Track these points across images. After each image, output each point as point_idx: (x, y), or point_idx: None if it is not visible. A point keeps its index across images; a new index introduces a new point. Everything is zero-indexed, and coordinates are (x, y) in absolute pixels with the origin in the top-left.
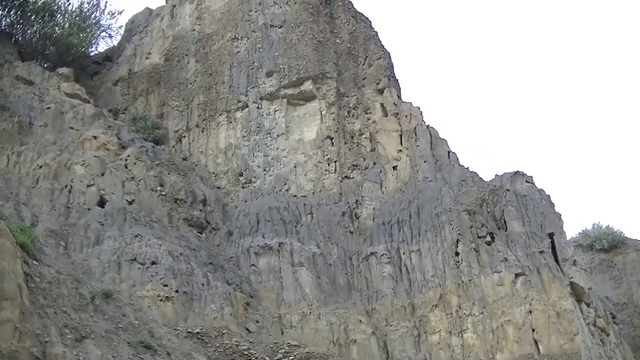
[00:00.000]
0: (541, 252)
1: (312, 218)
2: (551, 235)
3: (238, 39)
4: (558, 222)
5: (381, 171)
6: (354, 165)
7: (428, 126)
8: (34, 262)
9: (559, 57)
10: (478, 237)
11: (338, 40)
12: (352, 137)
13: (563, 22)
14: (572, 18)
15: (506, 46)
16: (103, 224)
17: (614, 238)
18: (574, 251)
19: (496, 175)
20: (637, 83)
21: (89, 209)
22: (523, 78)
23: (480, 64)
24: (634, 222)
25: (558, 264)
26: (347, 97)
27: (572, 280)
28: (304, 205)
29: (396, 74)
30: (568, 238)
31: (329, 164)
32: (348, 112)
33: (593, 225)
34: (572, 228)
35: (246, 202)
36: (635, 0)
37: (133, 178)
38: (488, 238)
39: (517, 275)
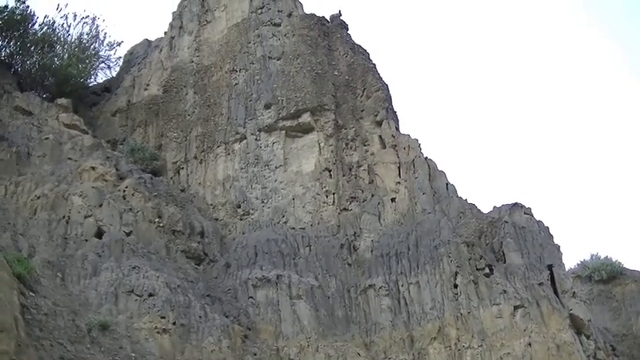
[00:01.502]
0: (540, 284)
1: (310, 250)
2: (550, 267)
3: (237, 71)
4: (557, 253)
5: (379, 203)
6: (352, 197)
7: (426, 158)
8: (30, 293)
9: (557, 89)
10: (477, 269)
11: (336, 72)
12: (350, 169)
13: (559, 54)
14: (568, 48)
15: (504, 79)
16: (100, 255)
17: (612, 269)
18: (573, 283)
19: (494, 206)
20: (634, 115)
21: (87, 240)
22: (521, 111)
23: (477, 97)
24: (632, 253)
25: (557, 296)
26: (345, 129)
27: (571, 312)
28: (302, 237)
29: (394, 106)
30: (567, 269)
31: (327, 196)
32: (346, 144)
33: (592, 256)
34: (571, 259)
35: (244, 234)
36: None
37: (130, 209)
38: (487, 270)
39: (516, 307)
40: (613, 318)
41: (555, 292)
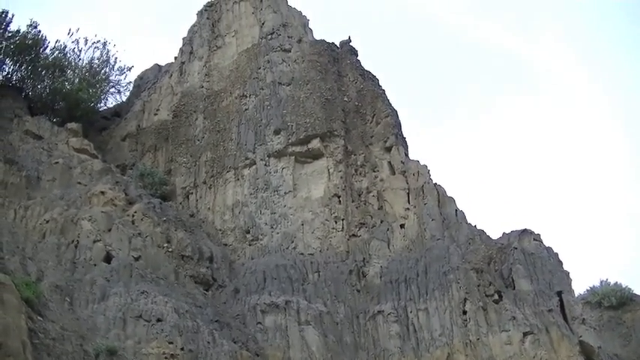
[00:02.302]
0: (549, 310)
1: (319, 276)
2: (559, 293)
3: (246, 96)
4: (566, 280)
5: (388, 229)
6: (361, 223)
7: (435, 184)
8: (38, 317)
9: (568, 113)
10: (486, 295)
11: (346, 98)
12: (359, 195)
13: (571, 76)
14: (581, 72)
15: (514, 104)
16: (108, 280)
17: (622, 294)
18: (582, 309)
19: (504, 233)
20: None
21: (95, 265)
22: (531, 137)
23: (487, 123)
24: None
25: (567, 322)
26: (354, 154)
27: (581, 338)
28: (311, 263)
29: (403, 132)
30: (576, 295)
31: (336, 222)
32: (356, 170)
33: (601, 282)
34: (580, 285)
35: (252, 259)
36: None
37: (139, 234)
38: (496, 297)
39: (525, 334)
40: (623, 344)
41: (565, 318)
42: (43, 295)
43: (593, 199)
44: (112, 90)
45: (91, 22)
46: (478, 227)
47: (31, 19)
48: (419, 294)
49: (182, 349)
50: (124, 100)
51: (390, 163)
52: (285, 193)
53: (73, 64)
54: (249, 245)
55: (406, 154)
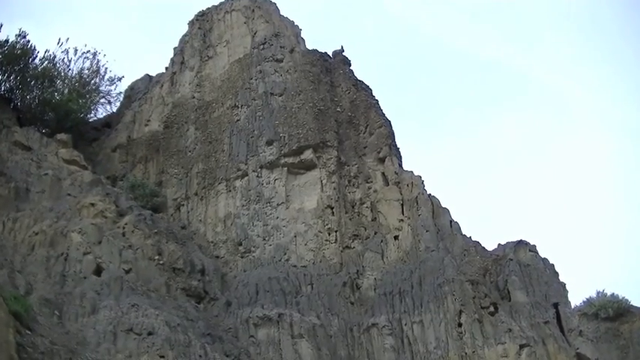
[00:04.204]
0: (546, 322)
1: (312, 289)
2: (555, 305)
3: (238, 107)
4: (563, 291)
5: (382, 241)
6: (354, 235)
7: (430, 195)
8: (27, 331)
9: (563, 123)
10: (481, 307)
11: (339, 109)
12: (353, 207)
13: (567, 83)
14: (576, 80)
15: (509, 113)
16: (99, 293)
17: (619, 306)
18: (579, 321)
19: (499, 244)
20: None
21: (85, 278)
22: (525, 147)
23: (481, 133)
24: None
25: (564, 334)
26: (348, 165)
27: (578, 350)
28: (304, 275)
29: (397, 143)
30: (573, 307)
31: (329, 234)
32: (349, 181)
33: (598, 293)
34: (577, 296)
35: (245, 272)
36: None
37: (130, 246)
38: (492, 309)
39: (522, 346)
40: (621, 356)
41: (561, 330)
42: (32, 309)
43: (590, 210)
44: (102, 100)
45: (81, 31)
46: (473, 238)
47: (20, 29)
48: (413, 306)
49: None
50: (115, 110)
51: (383, 173)
52: (277, 204)
53: (62, 74)
54: (242, 257)
55: (400, 165)
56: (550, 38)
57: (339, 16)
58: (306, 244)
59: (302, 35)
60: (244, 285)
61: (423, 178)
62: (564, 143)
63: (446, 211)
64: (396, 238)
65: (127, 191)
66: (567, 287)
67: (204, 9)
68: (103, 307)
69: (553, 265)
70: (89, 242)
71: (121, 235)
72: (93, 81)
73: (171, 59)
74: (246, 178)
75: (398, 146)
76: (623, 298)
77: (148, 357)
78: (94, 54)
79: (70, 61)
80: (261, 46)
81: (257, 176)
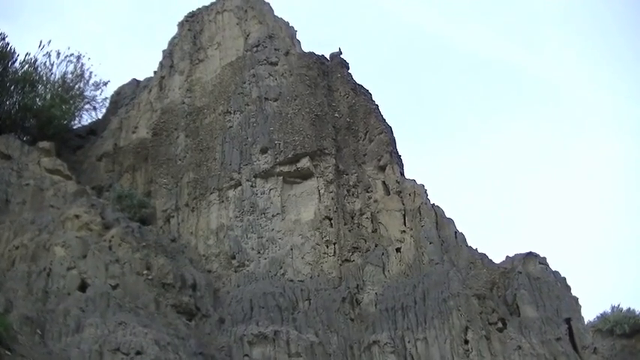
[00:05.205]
0: (558, 339)
1: (309, 304)
2: (568, 321)
3: (231, 113)
4: (575, 306)
5: (383, 253)
6: (354, 247)
7: (433, 205)
8: (7, 352)
9: (576, 129)
10: (489, 323)
11: (337, 114)
12: (352, 217)
13: (576, 91)
14: (584, 88)
15: (517, 118)
16: (83, 310)
17: (636, 321)
18: (593, 337)
19: (507, 256)
20: None
21: (69, 294)
22: (535, 153)
23: (487, 138)
24: None
25: (577, 352)
26: (346, 174)
27: None
28: (301, 290)
29: (398, 150)
30: (586, 322)
31: (328, 246)
32: (348, 191)
33: (613, 308)
34: (590, 312)
35: (239, 287)
36: None
37: (117, 260)
38: (500, 325)
39: None
40: None
41: (574, 347)
42: (11, 328)
43: (603, 220)
44: (87, 106)
45: (64, 33)
46: (479, 250)
47: None
48: (417, 322)
49: None
50: (100, 117)
51: (384, 182)
52: (272, 215)
53: (44, 78)
54: (235, 272)
55: (401, 173)
56: (559, 38)
57: (337, 17)
58: (303, 258)
59: (298, 37)
60: (238, 301)
61: (425, 187)
62: (576, 149)
63: (450, 221)
64: (397, 250)
65: (114, 202)
66: (580, 302)
67: (195, 9)
68: (88, 325)
69: (565, 278)
70: (73, 256)
71: (108, 249)
72: (77, 86)
73: (160, 63)
74: (239, 187)
75: (399, 153)
76: None
77: None
78: (78, 57)
79: (52, 65)
80: (255, 49)
81: (251, 186)
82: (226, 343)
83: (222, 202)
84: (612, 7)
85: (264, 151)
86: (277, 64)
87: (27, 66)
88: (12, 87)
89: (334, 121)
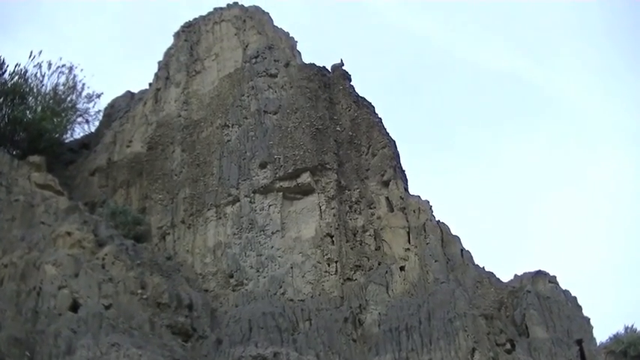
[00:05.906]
0: None
1: (310, 325)
2: (579, 342)
3: (229, 126)
4: (587, 327)
5: (387, 272)
6: (356, 265)
7: (438, 221)
8: None
9: (584, 143)
10: (497, 344)
11: (338, 128)
12: (355, 235)
13: (587, 99)
14: (595, 97)
15: (525, 131)
16: (75, 332)
17: None
18: (606, 359)
19: (515, 275)
20: None
21: (60, 314)
22: (542, 168)
23: (493, 153)
24: None
25: None
26: (349, 190)
27: None
28: (302, 310)
29: (402, 165)
30: (598, 344)
31: (329, 265)
32: (350, 207)
33: (626, 328)
34: (602, 332)
35: (237, 306)
36: None
37: (110, 279)
38: (509, 346)
39: None
40: None
41: None
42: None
43: (615, 237)
44: (80, 119)
45: (56, 44)
46: (487, 269)
47: None
48: (422, 344)
49: None
50: (93, 130)
51: (387, 198)
52: (272, 233)
53: (35, 90)
54: (233, 291)
55: (406, 189)
56: (566, 51)
57: (339, 28)
58: (303, 276)
59: (298, 48)
60: (236, 321)
61: (431, 203)
62: (588, 164)
63: (456, 239)
64: (402, 269)
65: (107, 219)
66: (592, 322)
67: (191, 19)
68: (79, 346)
69: (575, 297)
70: (65, 275)
71: (101, 267)
72: (69, 98)
73: (156, 74)
74: (237, 204)
75: (403, 168)
76: None
77: None
78: (70, 68)
79: (43, 76)
80: (254, 60)
81: (250, 202)
82: None
83: (220, 218)
84: (617, 17)
85: (263, 165)
86: (277, 76)
87: (17, 77)
88: (1, 99)
89: (336, 134)
